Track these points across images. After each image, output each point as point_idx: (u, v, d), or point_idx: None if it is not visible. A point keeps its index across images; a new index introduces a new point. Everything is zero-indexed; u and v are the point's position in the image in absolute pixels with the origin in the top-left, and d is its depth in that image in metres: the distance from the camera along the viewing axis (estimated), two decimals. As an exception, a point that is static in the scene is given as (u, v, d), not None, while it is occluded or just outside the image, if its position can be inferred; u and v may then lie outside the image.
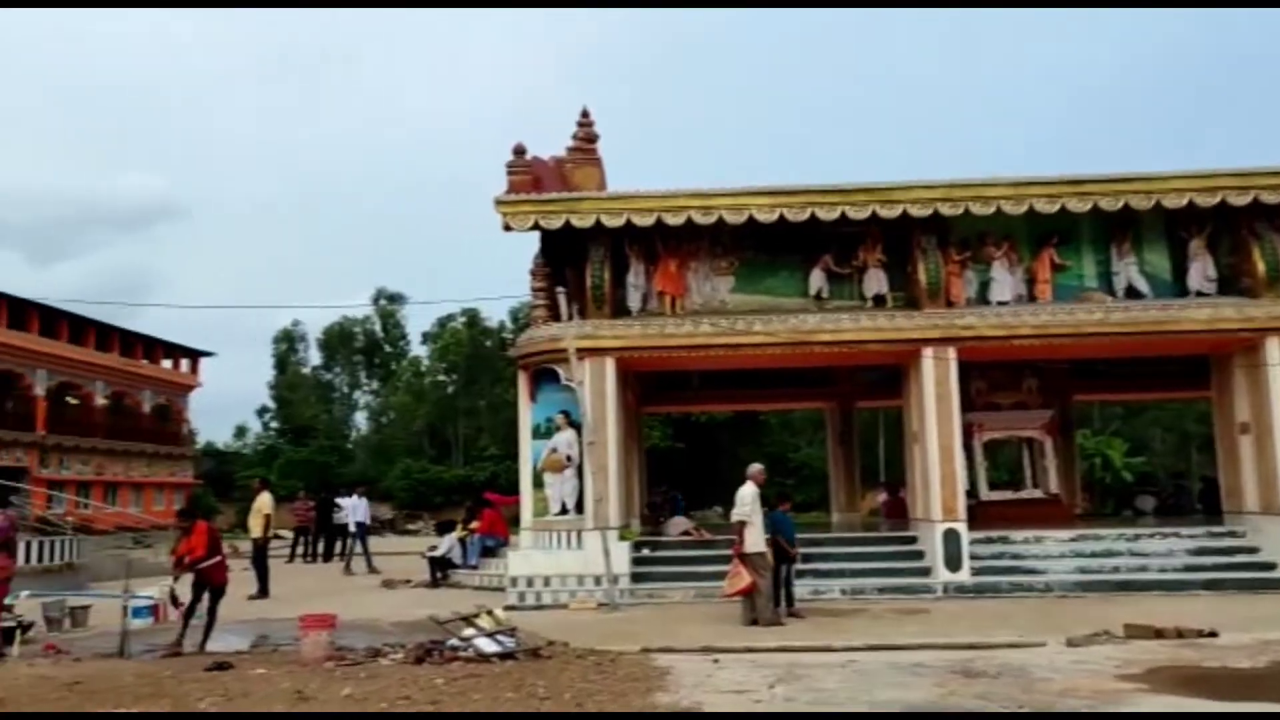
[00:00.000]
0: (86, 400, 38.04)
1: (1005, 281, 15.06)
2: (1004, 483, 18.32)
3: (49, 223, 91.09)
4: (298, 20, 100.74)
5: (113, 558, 21.07)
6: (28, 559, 16.99)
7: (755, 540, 11.71)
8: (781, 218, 14.30)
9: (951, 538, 13.92)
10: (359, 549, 20.28)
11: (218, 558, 10.88)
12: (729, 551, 12.09)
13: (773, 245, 15.06)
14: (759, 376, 19.24)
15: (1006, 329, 14.45)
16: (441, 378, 60.19)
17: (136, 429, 40.71)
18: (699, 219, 14.35)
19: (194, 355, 46.45)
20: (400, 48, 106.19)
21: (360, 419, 66.07)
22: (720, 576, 12.13)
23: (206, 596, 10.75)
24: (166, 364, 44.73)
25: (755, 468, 12.36)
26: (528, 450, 14.74)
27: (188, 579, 10.87)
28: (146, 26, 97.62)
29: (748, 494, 11.83)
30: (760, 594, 11.51)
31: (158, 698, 7.66)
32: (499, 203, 14.51)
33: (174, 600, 11.07)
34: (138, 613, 11.75)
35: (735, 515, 11.84)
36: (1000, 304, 14.90)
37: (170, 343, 44.10)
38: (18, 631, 10.77)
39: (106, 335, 39.00)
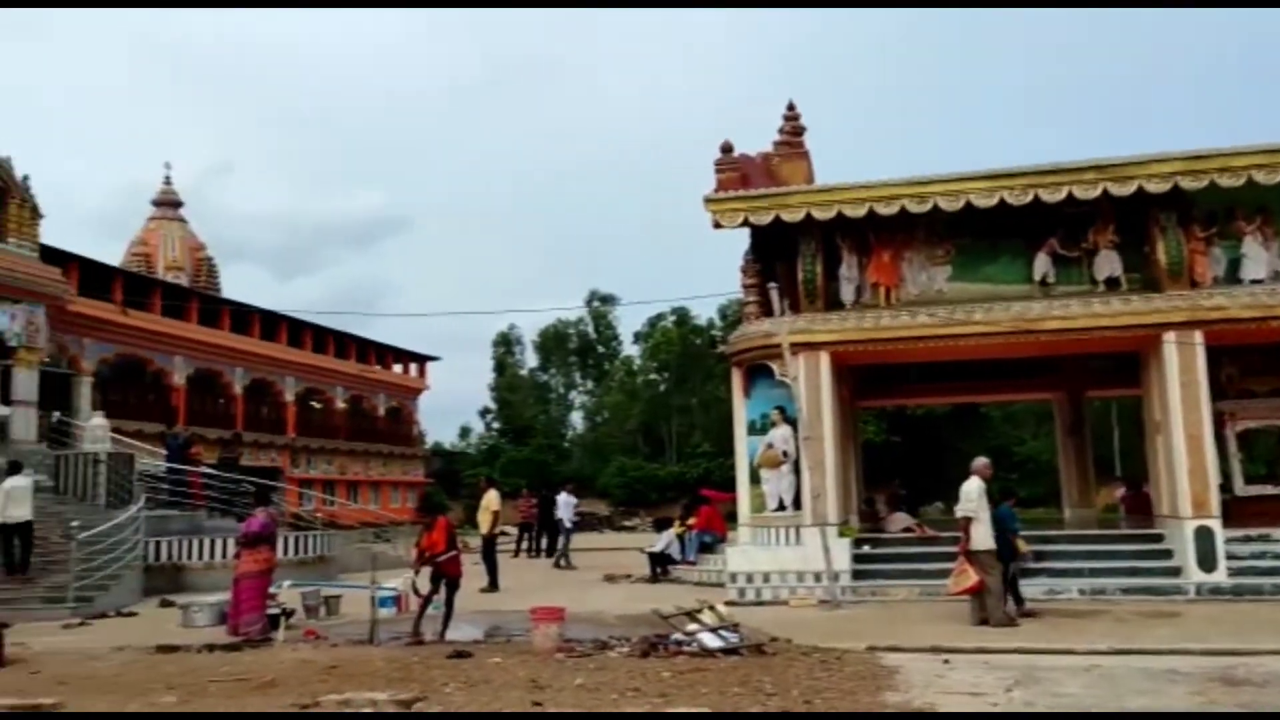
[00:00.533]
0: (329, 404, 40.99)
1: (1259, 258, 13.83)
2: (1262, 477, 16.80)
3: (291, 241, 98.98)
4: (504, 28, 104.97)
5: (358, 551, 22.63)
6: (286, 552, 18.44)
7: (982, 537, 11.26)
8: (1002, 202, 13.68)
9: (1204, 535, 12.90)
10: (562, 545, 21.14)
11: (454, 552, 11.46)
12: (954, 549, 11.69)
13: (992, 230, 14.42)
14: (979, 368, 18.47)
15: (1262, 309, 13.26)
16: (653, 376, 61.17)
17: (373, 430, 43.53)
18: (913, 208, 13.93)
19: (421, 360, 49.21)
20: (607, 50, 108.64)
21: (576, 418, 68.10)
22: (944, 574, 11.73)
23: (444, 588, 11.37)
24: (397, 369, 47.62)
25: (980, 461, 11.87)
26: (743, 446, 14.74)
27: (426, 571, 11.52)
28: (369, 48, 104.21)
29: (973, 489, 11.39)
30: (990, 592, 11.06)
31: (406, 681, 8.15)
32: (708, 201, 14.59)
33: (415, 591, 11.76)
34: (383, 603, 12.52)
35: (960, 511, 11.43)
36: (1254, 282, 13.70)
37: (400, 349, 46.93)
38: (283, 618, 11.74)
39: (344, 344, 41.92)
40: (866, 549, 14.42)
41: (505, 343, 67.50)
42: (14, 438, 21.21)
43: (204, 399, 33.38)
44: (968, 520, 11.28)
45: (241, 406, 34.96)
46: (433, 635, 10.96)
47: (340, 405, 41.32)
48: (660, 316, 61.06)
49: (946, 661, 8.85)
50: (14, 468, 15.80)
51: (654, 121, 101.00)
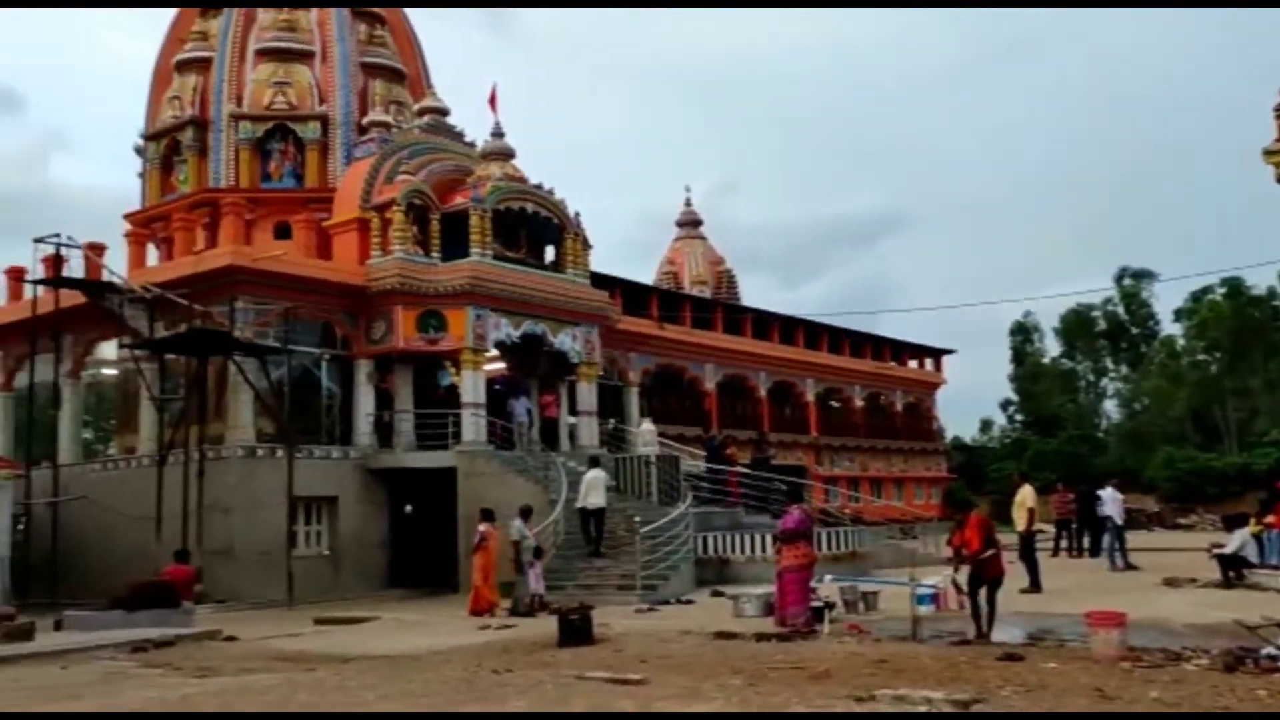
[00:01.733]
0: (847, 403, 41.78)
1: None
2: None
3: (794, 248, 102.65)
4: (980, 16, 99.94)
5: (887, 547, 22.75)
6: (819, 547, 19.01)
7: None
8: None
9: None
10: (1117, 544, 19.24)
11: (993, 550, 11.00)
12: None
13: None
14: None
15: None
16: (1202, 357, 54.55)
17: (891, 427, 43.59)
18: None
19: (936, 354, 48.35)
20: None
21: (1110, 407, 62.75)
22: None
23: (985, 587, 10.95)
24: (912, 364, 47.25)
25: None
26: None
27: (965, 569, 11.19)
28: (847, 46, 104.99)
29: None
30: None
31: (958, 681, 7.95)
32: (1267, 153, 12.59)
33: (957, 589, 11.48)
34: (921, 600, 12.38)
35: None
36: None
37: (914, 344, 46.51)
38: (825, 611, 12.09)
39: (859, 343, 42.50)
40: None
41: (1023, 331, 64.21)
42: (580, 443, 24.32)
43: (732, 402, 35.69)
44: None
45: (766, 408, 36.84)
46: (975, 635, 10.62)
47: (858, 403, 41.93)
48: (1206, 290, 54.17)
49: None
50: (593, 462, 18.92)
51: (1173, 80, 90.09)
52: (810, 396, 39.16)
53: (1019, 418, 62.10)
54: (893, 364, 44.82)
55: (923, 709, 6.92)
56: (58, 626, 14.03)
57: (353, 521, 20.98)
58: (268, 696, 8.38)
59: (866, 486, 40.50)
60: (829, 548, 19.13)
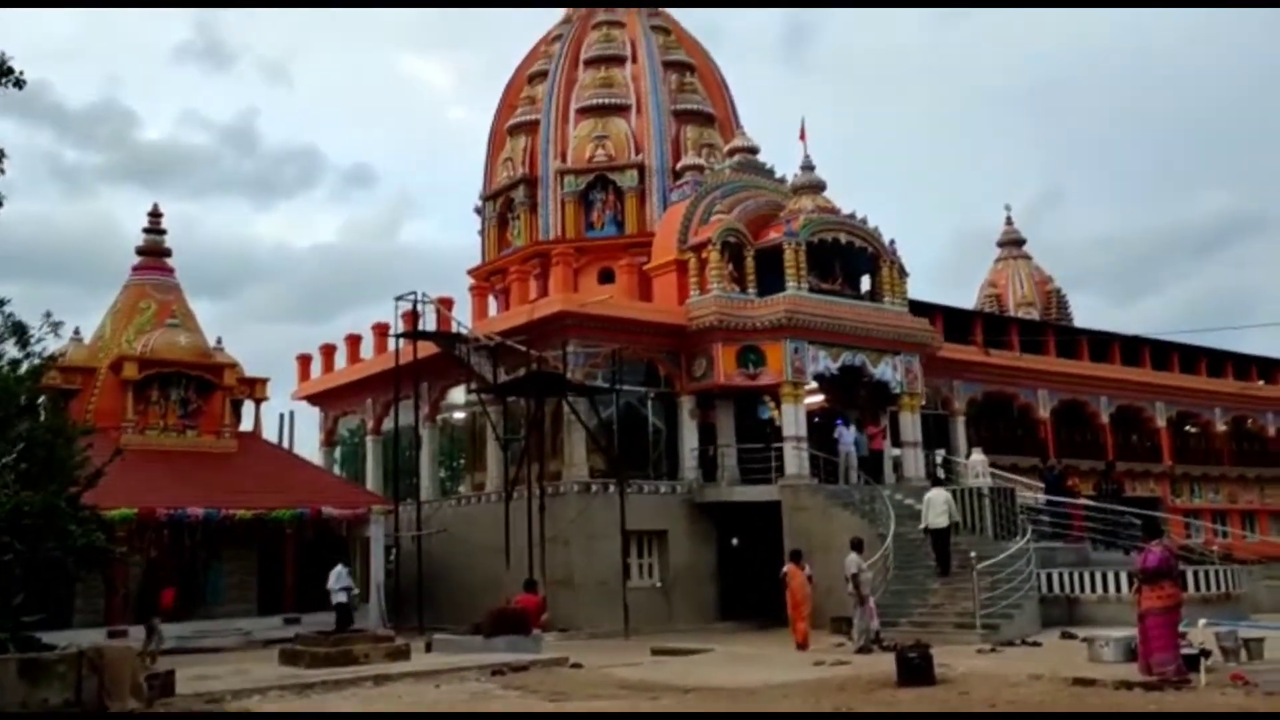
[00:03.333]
0: (1206, 428, 37.67)
1: None
2: None
3: (1124, 261, 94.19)
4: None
5: (1266, 588, 20.17)
6: (1186, 587, 17.20)
7: None
8: None
9: None
10: None
11: None
12: None
13: None
14: None
15: None
16: None
17: (1262, 453, 38.76)
18: None
19: (1312, 370, 42.61)
20: None
21: None
22: None
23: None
24: (1284, 383, 41.89)
25: None
26: None
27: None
28: (1175, 35, 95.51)
29: None
30: None
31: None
32: None
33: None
34: (1322, 649, 10.82)
35: None
36: None
37: (1284, 361, 41.26)
38: (1200, 658, 10.85)
39: (1218, 362, 38.29)
40: None
41: None
42: (905, 475, 23.54)
43: (1070, 430, 33.21)
44: None
45: (1110, 436, 33.98)
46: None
47: (1220, 428, 37.67)
48: None
49: None
50: (935, 482, 19.67)
51: None
52: (1161, 422, 35.67)
53: None
54: (1261, 383, 39.93)
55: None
56: (428, 648, 15.37)
57: (682, 554, 21.50)
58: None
59: (1236, 520, 36.20)
60: (1197, 588, 17.27)
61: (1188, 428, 37.27)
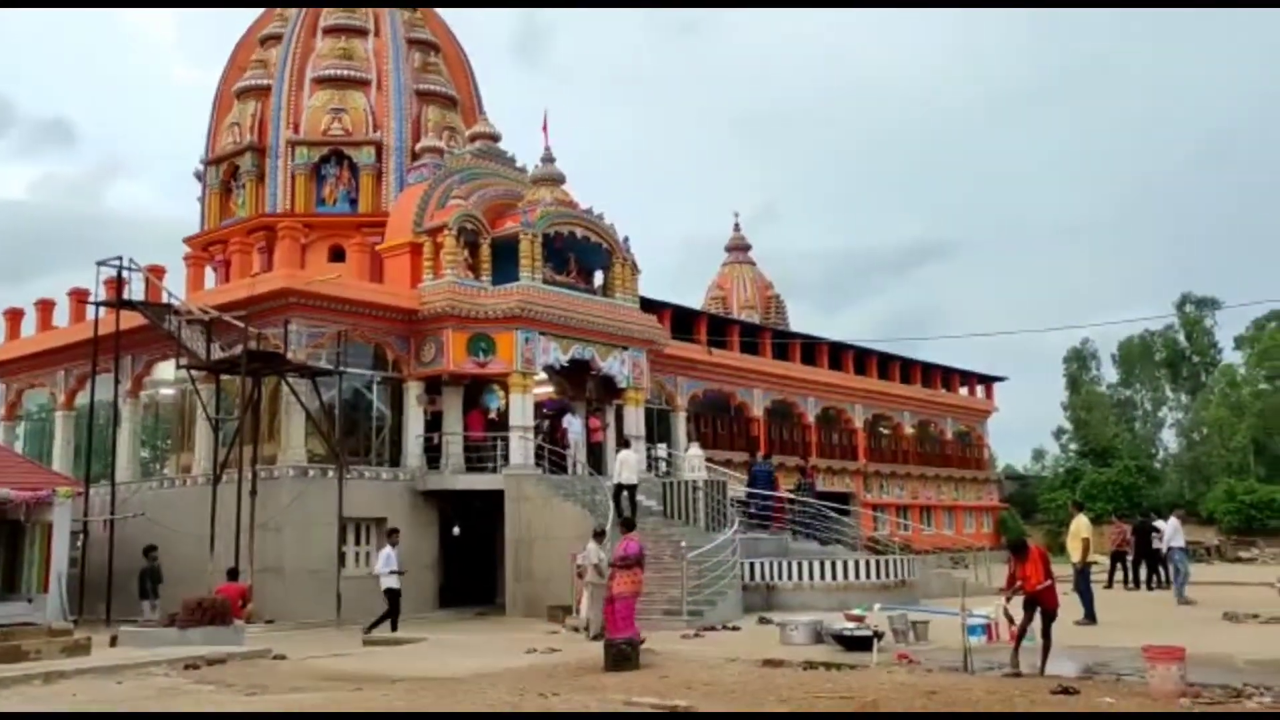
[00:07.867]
0: (896, 430, 41.33)
1: None
2: None
3: (833, 275, 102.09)
4: (1058, 34, 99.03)
5: (937, 576, 22.41)
6: (866, 575, 18.87)
7: None
8: None
9: None
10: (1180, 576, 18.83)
11: (1049, 581, 10.80)
12: None
13: None
14: None
15: None
16: (1263, 386, 53.31)
17: (942, 455, 43.02)
18: None
19: (987, 381, 47.69)
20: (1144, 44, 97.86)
21: (1168, 437, 61.48)
22: None
23: (1038, 619, 10.74)
24: (963, 391, 46.64)
25: None
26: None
27: (1017, 600, 10.98)
28: (901, 71, 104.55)
29: None
30: None
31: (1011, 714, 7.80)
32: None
33: (1009, 620, 11.27)
34: (973, 631, 12.15)
35: None
36: None
37: (965, 371, 45.92)
38: (875, 639, 11.93)
39: (908, 369, 42.07)
40: None
41: (1079, 359, 63.11)
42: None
43: (780, 428, 35.45)
44: None
45: (815, 434, 36.56)
46: (1029, 668, 10.41)
47: (908, 430, 41.47)
48: (1272, 317, 53.16)
49: None
50: (625, 444, 20.66)
51: (1242, 108, 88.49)
52: (859, 423, 38.80)
53: (1073, 447, 60.98)
54: (943, 390, 44.28)
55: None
56: (113, 642, 14.26)
57: (403, 542, 21.07)
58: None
59: (916, 514, 39.99)
60: (877, 576, 18.92)
61: (881, 429, 40.70)
